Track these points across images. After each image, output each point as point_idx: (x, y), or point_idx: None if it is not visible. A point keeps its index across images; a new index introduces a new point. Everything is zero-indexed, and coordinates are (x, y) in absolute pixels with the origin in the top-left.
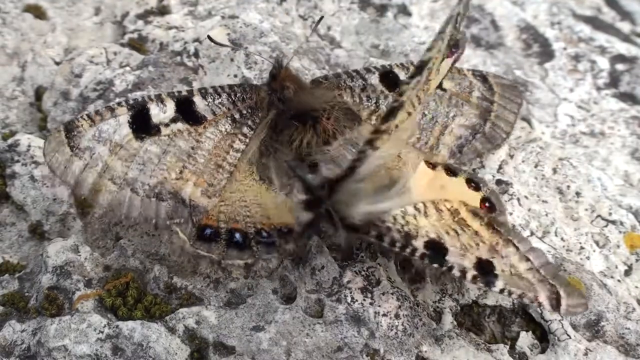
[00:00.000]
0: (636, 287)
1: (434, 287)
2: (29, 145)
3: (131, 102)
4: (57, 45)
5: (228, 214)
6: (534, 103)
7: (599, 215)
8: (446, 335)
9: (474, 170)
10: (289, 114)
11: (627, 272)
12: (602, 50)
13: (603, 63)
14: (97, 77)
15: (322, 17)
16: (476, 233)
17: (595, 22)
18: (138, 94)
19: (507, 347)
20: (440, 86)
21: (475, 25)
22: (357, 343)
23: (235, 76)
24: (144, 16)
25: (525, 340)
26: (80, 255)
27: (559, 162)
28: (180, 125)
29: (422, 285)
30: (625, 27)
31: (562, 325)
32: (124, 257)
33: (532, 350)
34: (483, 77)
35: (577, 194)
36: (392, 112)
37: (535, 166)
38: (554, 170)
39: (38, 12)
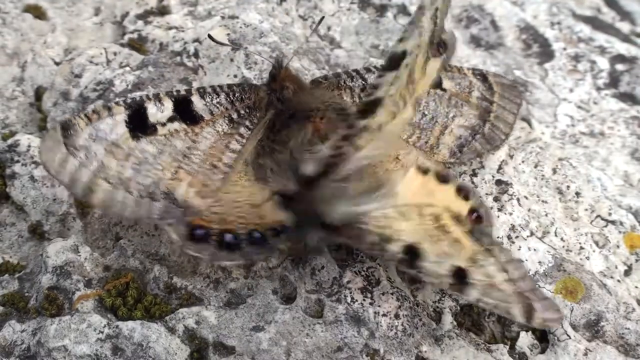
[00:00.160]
0: (636, 287)
1: (434, 287)
2: (29, 146)
3: (129, 101)
4: (57, 45)
5: (220, 214)
6: (533, 103)
7: (598, 216)
8: (446, 335)
9: (473, 170)
10: (287, 114)
11: (627, 272)
12: (602, 50)
13: (603, 63)
14: (97, 78)
15: (322, 18)
16: (456, 240)
17: (595, 22)
18: (138, 94)
19: (507, 347)
20: (440, 86)
21: (475, 25)
22: (357, 343)
23: (235, 76)
24: (144, 16)
25: (525, 340)
26: (80, 256)
27: (559, 162)
28: (177, 124)
29: (422, 285)
30: (625, 27)
31: (562, 326)
32: (124, 257)
33: (532, 351)
34: (483, 77)
35: (577, 194)
36: (368, 107)
37: (535, 166)
38: (554, 171)
39: (38, 12)
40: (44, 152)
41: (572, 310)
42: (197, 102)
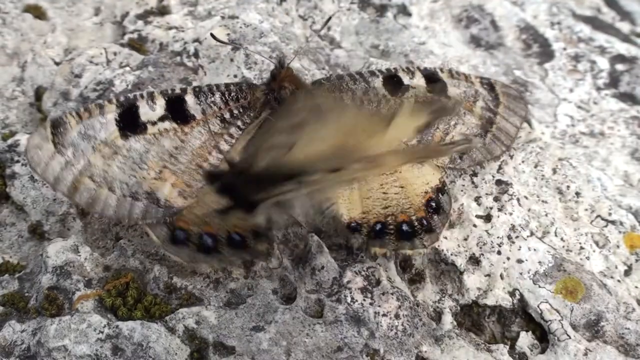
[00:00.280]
0: (636, 287)
1: (434, 287)
2: None
3: (121, 99)
4: (57, 45)
5: (202, 216)
6: (533, 103)
7: (598, 216)
8: (446, 335)
9: (473, 170)
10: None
11: (627, 272)
12: (602, 50)
13: (603, 63)
14: (97, 78)
15: (330, 17)
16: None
17: (595, 22)
18: (136, 94)
19: (507, 347)
20: (444, 94)
21: (475, 25)
22: (357, 343)
23: (235, 76)
24: (144, 16)
25: (525, 340)
26: (80, 256)
27: (559, 162)
28: (167, 124)
29: (422, 285)
30: (625, 27)
31: (562, 326)
32: (124, 257)
33: (532, 351)
34: (491, 86)
35: (577, 194)
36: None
37: (535, 166)
38: (554, 171)
39: (38, 12)
40: (30, 150)
41: (572, 310)
42: (190, 101)
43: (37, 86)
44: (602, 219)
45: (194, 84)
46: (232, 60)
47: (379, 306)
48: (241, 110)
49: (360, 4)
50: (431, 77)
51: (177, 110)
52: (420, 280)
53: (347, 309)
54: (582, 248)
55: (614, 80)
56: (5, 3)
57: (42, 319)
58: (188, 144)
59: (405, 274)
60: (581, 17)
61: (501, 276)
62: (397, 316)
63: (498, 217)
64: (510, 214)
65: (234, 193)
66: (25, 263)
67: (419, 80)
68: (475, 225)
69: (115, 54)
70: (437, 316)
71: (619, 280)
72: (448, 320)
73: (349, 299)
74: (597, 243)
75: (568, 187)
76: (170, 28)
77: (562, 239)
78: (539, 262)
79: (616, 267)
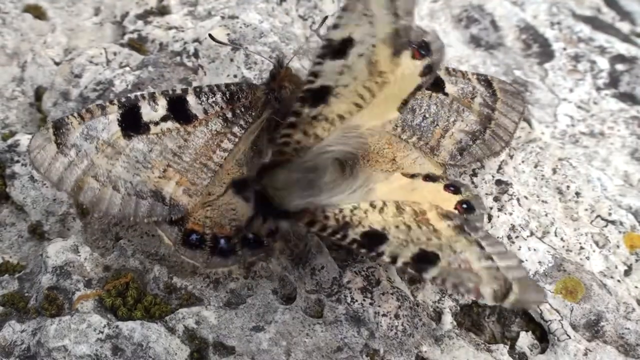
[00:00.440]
0: (636, 287)
1: (434, 287)
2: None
3: (123, 99)
4: (57, 45)
5: (214, 218)
6: (533, 103)
7: (598, 216)
8: (446, 335)
9: (473, 170)
10: (283, 113)
11: (627, 272)
12: (602, 50)
13: (603, 63)
14: (96, 78)
15: (326, 17)
16: (435, 231)
17: (595, 22)
18: (138, 95)
19: (507, 347)
20: (442, 90)
21: (475, 25)
22: (357, 343)
23: (235, 76)
24: (144, 16)
25: (525, 340)
26: (80, 256)
27: (559, 162)
28: (170, 124)
29: (422, 285)
30: (624, 27)
31: (562, 326)
32: (123, 257)
33: (531, 351)
34: (488, 83)
35: (577, 194)
36: (313, 96)
37: (535, 166)
38: (554, 171)
39: (38, 12)
40: (33, 150)
41: (572, 310)
42: (192, 101)
43: (37, 86)
44: (602, 219)
45: (194, 84)
46: (232, 60)
47: (379, 306)
48: (243, 110)
49: None
50: None
51: (179, 110)
52: (420, 280)
53: (347, 309)
54: (582, 248)
55: (614, 80)
56: (5, 3)
57: (42, 319)
58: (191, 143)
59: (405, 273)
60: (581, 17)
61: None
62: (397, 316)
63: (498, 217)
64: (510, 214)
65: (261, 202)
66: (25, 263)
67: None
68: None
69: (115, 54)
70: (437, 316)
71: (619, 280)
72: (448, 320)
73: (348, 299)
74: (597, 243)
75: (568, 187)
76: (170, 28)
77: (562, 239)
78: (539, 262)
79: (616, 267)
